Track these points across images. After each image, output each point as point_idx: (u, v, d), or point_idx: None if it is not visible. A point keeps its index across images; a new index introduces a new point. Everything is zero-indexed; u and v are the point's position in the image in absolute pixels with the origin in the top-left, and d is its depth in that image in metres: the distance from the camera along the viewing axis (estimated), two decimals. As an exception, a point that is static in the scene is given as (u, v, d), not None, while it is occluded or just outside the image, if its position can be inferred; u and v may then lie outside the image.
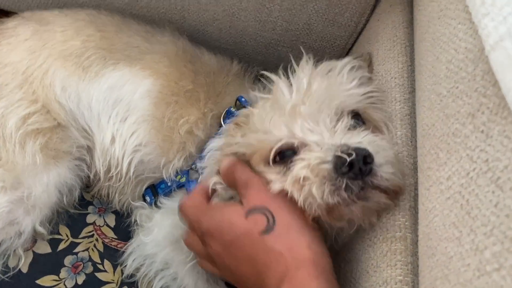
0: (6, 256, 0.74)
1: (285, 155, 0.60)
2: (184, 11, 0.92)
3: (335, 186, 0.53)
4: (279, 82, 0.66)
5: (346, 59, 0.68)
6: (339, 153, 0.53)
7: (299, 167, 0.56)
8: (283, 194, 0.57)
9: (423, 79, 0.56)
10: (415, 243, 0.53)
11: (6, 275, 0.73)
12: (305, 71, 0.65)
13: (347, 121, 0.60)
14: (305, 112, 0.59)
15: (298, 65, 0.68)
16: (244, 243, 0.56)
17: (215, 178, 0.65)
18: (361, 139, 0.57)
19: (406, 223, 0.55)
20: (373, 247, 0.57)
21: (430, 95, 0.52)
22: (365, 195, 0.54)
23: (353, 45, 0.94)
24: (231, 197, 0.64)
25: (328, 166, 0.54)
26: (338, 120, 0.60)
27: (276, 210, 0.56)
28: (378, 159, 0.54)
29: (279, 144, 0.60)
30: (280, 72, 0.68)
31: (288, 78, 0.67)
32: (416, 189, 0.56)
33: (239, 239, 0.57)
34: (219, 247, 0.60)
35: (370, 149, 0.54)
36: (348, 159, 0.51)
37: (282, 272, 0.52)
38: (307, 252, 0.52)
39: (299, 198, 0.55)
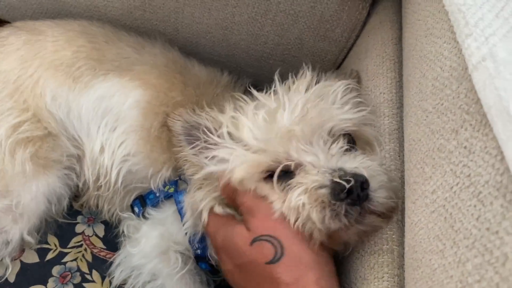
0: (-7, 265, 0.74)
1: (281, 176, 0.60)
2: (177, 23, 0.93)
3: (335, 212, 0.54)
4: (271, 100, 0.66)
5: (340, 82, 0.68)
6: (337, 179, 0.54)
7: (297, 193, 0.56)
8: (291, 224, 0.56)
9: (410, 95, 0.57)
10: (401, 255, 0.54)
11: (-7, 284, 0.72)
12: (300, 91, 0.66)
13: (342, 143, 0.61)
14: (299, 134, 0.59)
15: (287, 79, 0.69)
16: (250, 270, 0.56)
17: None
18: (357, 164, 0.57)
19: (393, 236, 0.56)
20: (360, 259, 0.58)
21: (416, 110, 0.53)
22: (362, 220, 0.55)
23: (343, 60, 0.96)
24: None
25: (326, 191, 0.54)
26: (332, 142, 0.61)
27: (286, 240, 0.55)
28: (373, 184, 0.55)
29: (279, 167, 0.60)
30: (275, 88, 0.69)
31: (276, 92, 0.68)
32: (403, 202, 0.57)
33: (245, 265, 0.57)
34: (230, 265, 0.60)
35: (366, 174, 0.55)
36: (347, 186, 0.52)
37: None
38: (314, 286, 0.52)
39: (298, 223, 0.56)
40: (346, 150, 0.61)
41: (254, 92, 0.70)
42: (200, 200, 0.68)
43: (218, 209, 0.66)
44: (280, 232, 0.56)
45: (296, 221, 0.56)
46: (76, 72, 0.79)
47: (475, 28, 0.40)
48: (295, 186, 0.57)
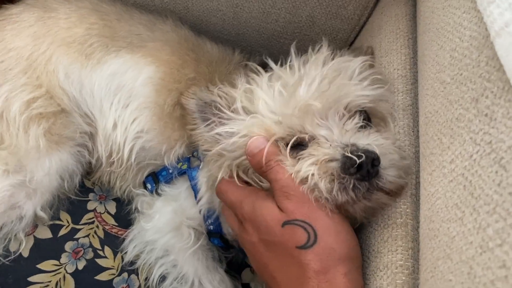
0: (7, 240, 0.74)
1: (294, 146, 0.60)
2: (187, 1, 0.93)
3: (343, 185, 0.54)
4: (288, 73, 0.66)
5: (359, 58, 0.68)
6: (348, 154, 0.54)
7: (308, 163, 0.56)
8: (329, 214, 0.55)
9: (426, 68, 0.57)
10: (416, 229, 0.54)
11: (7, 259, 0.73)
12: (317, 66, 0.65)
13: (357, 120, 0.61)
14: (315, 107, 0.59)
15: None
16: (277, 249, 0.56)
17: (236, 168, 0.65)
18: (370, 141, 0.57)
19: (407, 210, 0.56)
20: (374, 233, 0.58)
21: (433, 83, 0.52)
22: (369, 196, 0.55)
23: (356, 38, 0.95)
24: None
25: (336, 165, 0.55)
26: (348, 118, 0.61)
27: (320, 229, 0.54)
28: (384, 162, 0.55)
29: (293, 138, 0.60)
30: (291, 63, 0.68)
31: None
32: (417, 177, 0.57)
33: (273, 243, 0.56)
34: (254, 237, 0.59)
35: (378, 151, 0.55)
36: (358, 161, 0.53)
37: None
38: (342, 279, 0.51)
39: (305, 188, 0.56)
40: (361, 126, 0.61)
41: (271, 63, 0.69)
42: (219, 169, 0.67)
43: (243, 176, 0.65)
44: (315, 220, 0.54)
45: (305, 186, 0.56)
46: (88, 49, 0.79)
47: (498, -6, 0.39)
48: (306, 156, 0.57)
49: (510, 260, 0.31)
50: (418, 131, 0.60)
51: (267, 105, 0.63)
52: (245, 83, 0.68)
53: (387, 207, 0.58)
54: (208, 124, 0.70)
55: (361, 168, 0.53)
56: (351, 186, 0.54)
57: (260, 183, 0.63)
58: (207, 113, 0.70)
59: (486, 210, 0.35)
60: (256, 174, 0.63)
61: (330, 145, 0.57)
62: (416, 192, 0.57)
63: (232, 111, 0.66)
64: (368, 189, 0.54)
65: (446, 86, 0.48)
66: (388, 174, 0.55)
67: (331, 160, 0.55)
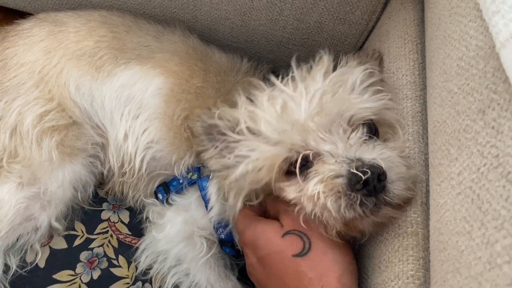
0: (23, 251, 0.76)
1: (301, 166, 0.60)
2: (196, 10, 0.93)
3: (350, 202, 0.54)
4: (287, 90, 0.65)
5: (359, 69, 0.67)
6: (354, 170, 0.54)
7: (314, 182, 0.57)
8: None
9: (434, 76, 0.57)
10: (426, 238, 0.53)
11: (24, 270, 0.74)
12: (317, 80, 0.65)
13: (361, 133, 0.60)
14: (318, 123, 0.59)
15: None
16: (276, 261, 0.59)
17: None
18: (375, 155, 0.57)
19: (418, 219, 0.55)
20: (385, 243, 0.58)
21: (441, 92, 0.52)
22: (377, 211, 0.55)
23: (364, 43, 0.94)
24: None
25: (342, 181, 0.55)
26: (352, 131, 0.60)
27: (314, 237, 0.58)
28: (390, 175, 0.55)
29: (299, 157, 0.60)
30: (293, 74, 0.68)
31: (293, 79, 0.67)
32: (427, 185, 0.57)
33: (270, 256, 0.60)
34: (253, 259, 0.64)
35: (384, 165, 0.54)
36: (364, 177, 0.52)
37: None
38: (336, 284, 0.54)
39: (316, 211, 0.57)
40: (366, 139, 0.60)
41: (273, 79, 0.68)
42: (232, 202, 0.69)
43: (254, 202, 0.69)
44: (310, 230, 0.59)
45: (313, 210, 0.57)
46: (98, 62, 0.81)
47: (503, 5, 0.39)
48: (313, 175, 0.58)
49: (518, 277, 0.30)
50: (427, 138, 0.59)
51: (270, 125, 0.62)
52: (246, 102, 0.68)
53: (395, 220, 0.58)
54: (216, 147, 0.70)
55: (367, 184, 0.53)
56: (358, 202, 0.54)
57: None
58: (213, 134, 0.70)
59: (494, 225, 0.35)
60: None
61: (336, 160, 0.57)
62: (427, 200, 0.56)
63: (237, 133, 0.66)
64: (376, 204, 0.55)
65: (453, 96, 0.48)
66: (395, 188, 0.55)
67: (336, 177, 0.55)
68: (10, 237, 0.74)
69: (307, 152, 0.59)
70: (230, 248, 0.78)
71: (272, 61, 1.00)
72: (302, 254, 0.57)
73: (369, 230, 0.58)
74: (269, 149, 0.62)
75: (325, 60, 0.68)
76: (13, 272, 0.74)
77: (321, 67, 0.67)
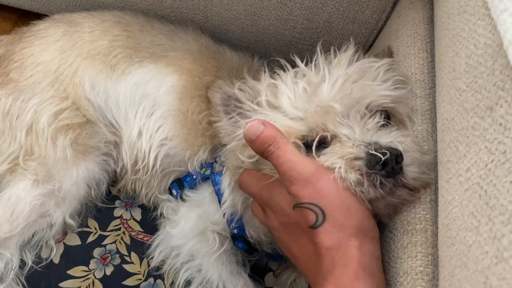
0: (39, 247, 0.78)
1: (312, 146, 0.61)
2: (207, 11, 0.94)
3: (371, 182, 0.55)
4: (312, 72, 0.67)
5: (384, 60, 0.69)
6: (373, 151, 0.55)
7: (334, 158, 0.57)
8: (336, 190, 0.56)
9: (443, 74, 0.57)
10: (435, 235, 0.54)
11: (39, 265, 0.76)
12: (342, 66, 0.66)
13: (378, 119, 0.62)
14: (338, 106, 0.60)
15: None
16: (297, 230, 0.58)
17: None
18: (392, 138, 0.59)
19: (427, 216, 0.56)
20: (394, 239, 0.58)
21: (450, 89, 0.52)
22: (394, 192, 0.56)
23: (373, 42, 0.95)
24: None
25: (362, 163, 0.56)
26: (369, 117, 0.62)
27: (328, 206, 0.54)
28: (406, 159, 0.56)
29: (317, 137, 0.61)
30: (318, 57, 0.69)
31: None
32: (436, 182, 0.57)
33: (292, 225, 0.58)
34: (276, 222, 0.62)
35: (401, 148, 0.56)
36: (383, 158, 0.54)
37: (328, 268, 0.53)
38: (356, 253, 0.52)
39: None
40: (382, 125, 0.62)
41: (298, 61, 0.70)
42: (240, 161, 0.68)
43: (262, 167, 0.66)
44: (322, 199, 0.55)
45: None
46: (113, 60, 0.82)
47: (511, 3, 0.39)
48: (330, 153, 0.58)
49: (524, 271, 0.31)
50: (436, 136, 0.60)
51: (290, 101, 0.64)
52: (270, 78, 0.69)
53: (408, 205, 0.59)
54: (231, 118, 0.72)
55: (386, 165, 0.54)
56: (378, 183, 0.55)
57: (272, 171, 0.64)
58: (230, 106, 0.72)
59: (501, 220, 0.35)
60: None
61: (353, 144, 0.58)
62: (435, 197, 0.57)
63: (256, 104, 0.68)
64: (393, 186, 0.56)
65: (461, 94, 0.48)
66: (411, 171, 0.56)
67: (356, 159, 0.56)
68: (26, 233, 0.76)
69: (325, 133, 0.61)
70: (242, 243, 0.79)
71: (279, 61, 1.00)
72: (316, 226, 0.54)
73: (384, 212, 0.59)
74: (287, 122, 0.63)
75: (350, 50, 0.69)
76: (29, 268, 0.75)
77: (346, 54, 0.68)
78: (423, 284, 0.51)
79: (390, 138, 0.59)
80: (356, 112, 0.61)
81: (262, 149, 0.59)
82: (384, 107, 0.64)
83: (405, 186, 0.56)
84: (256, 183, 0.65)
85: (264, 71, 0.72)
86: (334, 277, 0.52)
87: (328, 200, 0.55)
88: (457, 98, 0.49)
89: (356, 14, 0.90)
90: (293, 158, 0.57)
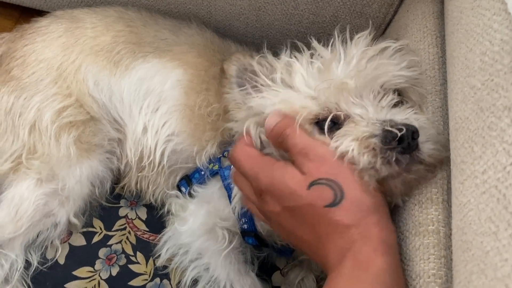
0: (44, 247, 0.77)
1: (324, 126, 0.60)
2: (210, 6, 0.93)
3: (386, 159, 0.55)
4: (327, 52, 0.67)
5: (401, 42, 0.69)
6: (388, 127, 0.55)
7: (348, 141, 0.56)
8: (352, 168, 0.55)
9: (455, 71, 0.55)
10: (448, 236, 0.52)
11: (44, 266, 0.76)
12: (359, 46, 0.66)
13: (391, 97, 0.61)
14: (351, 87, 0.60)
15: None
16: (307, 212, 0.55)
17: (260, 130, 0.65)
18: (407, 115, 0.58)
19: (439, 217, 0.55)
20: (405, 241, 0.57)
21: (463, 87, 0.51)
22: (410, 168, 0.56)
23: (381, 36, 0.93)
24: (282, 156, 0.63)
25: (377, 140, 0.55)
26: (382, 96, 0.61)
27: (346, 184, 0.53)
28: (421, 136, 0.56)
29: (330, 116, 0.60)
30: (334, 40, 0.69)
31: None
32: (449, 182, 0.56)
33: (301, 208, 0.55)
34: (277, 207, 0.58)
35: (417, 125, 0.56)
36: (399, 134, 0.53)
37: (345, 246, 0.52)
38: (375, 229, 0.52)
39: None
40: (396, 104, 0.62)
41: (314, 42, 0.70)
42: (241, 124, 0.67)
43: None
44: (339, 176, 0.54)
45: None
46: (116, 56, 0.81)
47: (531, -1, 0.38)
48: (343, 135, 0.57)
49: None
50: (448, 134, 0.58)
51: (304, 80, 0.64)
52: (287, 57, 0.69)
53: (424, 182, 0.58)
54: (244, 89, 0.71)
55: (402, 141, 0.54)
56: (393, 159, 0.54)
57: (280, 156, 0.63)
58: (244, 79, 0.71)
59: (521, 226, 0.34)
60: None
61: (367, 123, 0.58)
62: (448, 198, 0.55)
63: (271, 80, 0.67)
64: (409, 163, 0.55)
65: (476, 92, 0.47)
66: (427, 147, 0.56)
67: (371, 137, 0.56)
68: (30, 233, 0.75)
69: (339, 112, 0.60)
70: (253, 239, 0.78)
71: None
72: (335, 204, 0.53)
73: (399, 190, 0.58)
74: (299, 101, 0.62)
75: (368, 32, 0.69)
76: (34, 269, 0.75)
77: (363, 35, 0.68)
78: (436, 287, 0.49)
79: (405, 115, 0.59)
80: (369, 92, 0.61)
81: (279, 135, 0.59)
82: (398, 88, 0.64)
83: (421, 162, 0.56)
84: (254, 164, 0.61)
85: (286, 50, 0.71)
86: (354, 253, 0.51)
87: (345, 176, 0.54)
88: (471, 97, 0.48)
89: (363, 8, 0.89)
90: (309, 138, 0.58)
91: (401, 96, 0.65)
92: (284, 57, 0.69)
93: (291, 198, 0.56)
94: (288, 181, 0.56)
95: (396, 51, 0.66)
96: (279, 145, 0.60)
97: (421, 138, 0.55)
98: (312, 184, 0.54)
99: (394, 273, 0.51)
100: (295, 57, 0.69)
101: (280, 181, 0.57)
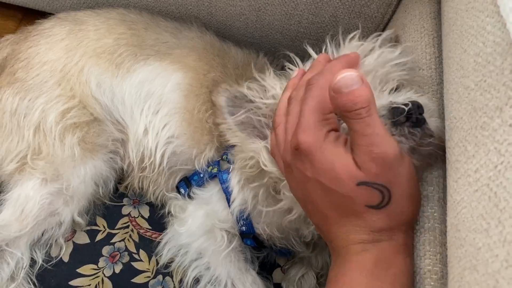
0: (48, 245, 0.79)
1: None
2: (211, 7, 0.94)
3: (399, 133, 0.55)
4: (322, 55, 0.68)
5: (388, 32, 0.71)
6: (394, 105, 0.56)
7: None
8: (408, 177, 0.52)
9: (451, 71, 0.56)
10: (443, 233, 0.54)
11: (49, 264, 0.77)
12: (351, 46, 0.68)
13: (391, 84, 0.63)
14: None
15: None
16: (343, 200, 0.52)
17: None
18: (408, 95, 0.60)
19: (435, 214, 0.56)
20: (401, 238, 0.58)
21: (458, 88, 0.52)
22: (424, 142, 0.56)
23: (380, 36, 0.94)
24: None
25: (384, 119, 0.56)
26: (384, 84, 0.63)
27: (397, 192, 0.50)
28: (426, 112, 0.57)
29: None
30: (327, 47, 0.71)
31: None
32: (444, 180, 0.57)
33: (337, 193, 0.51)
34: (309, 172, 0.53)
35: (420, 101, 0.57)
36: (406, 108, 0.54)
37: (370, 240, 0.52)
38: (402, 235, 0.53)
39: None
40: (396, 89, 0.64)
41: (310, 50, 0.71)
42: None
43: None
44: (395, 185, 0.50)
45: None
46: (118, 59, 0.82)
47: (521, 3, 0.39)
48: None
49: (535, 275, 0.31)
50: (444, 133, 0.59)
51: None
52: (274, 73, 0.71)
53: (442, 157, 0.57)
54: (238, 116, 0.72)
55: (410, 117, 0.55)
56: (407, 132, 0.55)
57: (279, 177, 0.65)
58: (236, 106, 0.72)
59: (511, 223, 0.35)
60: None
61: None
62: (444, 196, 0.56)
63: (272, 97, 0.69)
64: (422, 135, 0.56)
65: (470, 92, 0.48)
66: (433, 121, 0.57)
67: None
68: (35, 231, 0.77)
69: None
70: (251, 240, 0.79)
71: (288, 56, 1.00)
72: (378, 207, 0.51)
73: (427, 162, 0.58)
74: None
75: (357, 34, 0.72)
76: (39, 266, 0.76)
77: (355, 38, 0.71)
78: (432, 283, 0.51)
79: (407, 95, 0.60)
80: (371, 82, 0.61)
81: (349, 108, 0.48)
82: (398, 79, 0.65)
83: (431, 135, 0.56)
84: (313, 140, 0.53)
85: (268, 68, 0.73)
86: (377, 250, 0.51)
87: (399, 186, 0.51)
88: (465, 97, 0.49)
89: (362, 8, 0.89)
90: (382, 133, 0.49)
91: (401, 81, 0.66)
92: (271, 73, 0.72)
93: (332, 182, 0.51)
94: (337, 164, 0.51)
95: (388, 40, 0.69)
96: (343, 116, 0.50)
97: (426, 114, 0.56)
98: (364, 183, 0.50)
99: (411, 275, 0.53)
100: (289, 68, 0.72)
101: (328, 158, 0.52)
